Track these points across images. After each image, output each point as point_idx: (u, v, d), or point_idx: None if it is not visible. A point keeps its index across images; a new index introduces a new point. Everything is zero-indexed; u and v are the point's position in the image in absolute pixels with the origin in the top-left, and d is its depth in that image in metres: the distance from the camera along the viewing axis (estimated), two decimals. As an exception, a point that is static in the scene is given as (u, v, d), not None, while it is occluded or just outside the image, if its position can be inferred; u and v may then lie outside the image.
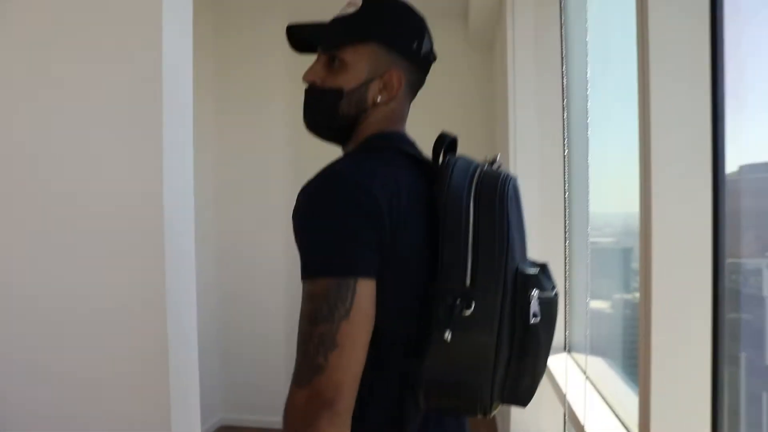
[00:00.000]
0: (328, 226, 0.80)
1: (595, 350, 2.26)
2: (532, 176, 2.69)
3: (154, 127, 1.31)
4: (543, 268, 0.92)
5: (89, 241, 1.36)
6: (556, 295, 0.89)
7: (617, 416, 1.79)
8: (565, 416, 2.37)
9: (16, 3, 1.38)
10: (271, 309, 3.88)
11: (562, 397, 2.17)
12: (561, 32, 2.65)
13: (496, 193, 0.84)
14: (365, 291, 0.79)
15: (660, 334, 1.12)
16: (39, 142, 1.39)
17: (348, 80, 0.94)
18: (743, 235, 1.25)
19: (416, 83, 1.01)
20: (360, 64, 0.94)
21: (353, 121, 0.96)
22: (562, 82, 2.66)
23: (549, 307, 0.87)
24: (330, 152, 0.96)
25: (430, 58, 1.00)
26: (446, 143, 0.93)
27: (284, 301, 3.85)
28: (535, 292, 0.84)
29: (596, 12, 2.35)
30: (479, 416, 0.86)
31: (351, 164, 0.87)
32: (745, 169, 1.24)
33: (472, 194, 0.84)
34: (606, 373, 2.09)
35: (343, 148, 1.01)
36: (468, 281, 0.81)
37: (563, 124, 2.68)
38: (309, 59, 1.01)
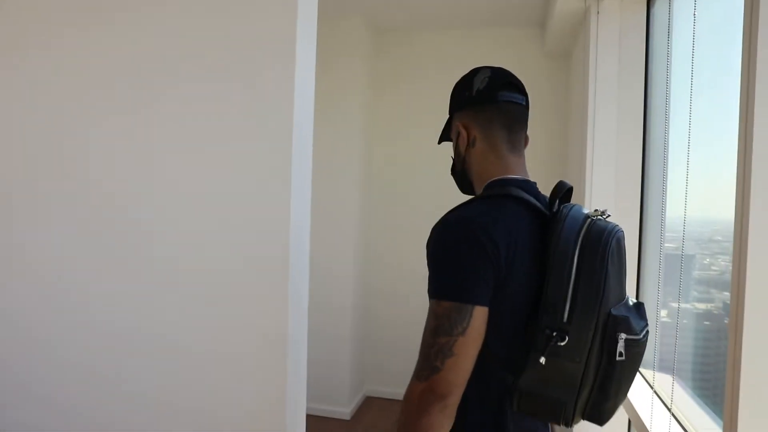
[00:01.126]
0: (456, 260, 0.99)
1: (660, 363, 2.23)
2: (607, 184, 2.69)
3: (284, 140, 1.41)
4: (638, 306, 1.06)
5: (221, 242, 1.47)
6: (644, 336, 1.02)
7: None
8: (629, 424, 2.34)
9: (159, 24, 1.48)
10: (407, 302, 4.19)
11: (628, 407, 2.16)
12: (646, 40, 2.64)
13: (599, 247, 0.99)
14: (479, 315, 0.98)
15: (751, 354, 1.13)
16: (177, 157, 1.49)
17: (453, 149, 1.25)
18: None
19: (493, 117, 1.17)
20: (452, 136, 1.24)
21: (465, 174, 1.22)
22: (645, 92, 2.65)
23: (636, 346, 1.00)
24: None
25: (486, 91, 1.17)
26: (563, 192, 1.08)
27: (414, 296, 4.02)
28: (622, 335, 0.98)
29: (683, 18, 2.34)
30: (561, 425, 1.03)
31: (479, 211, 1.04)
32: None
33: (578, 246, 0.99)
34: (677, 391, 2.07)
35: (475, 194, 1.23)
36: (565, 318, 0.97)
37: (643, 133, 2.67)
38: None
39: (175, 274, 1.48)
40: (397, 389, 4.18)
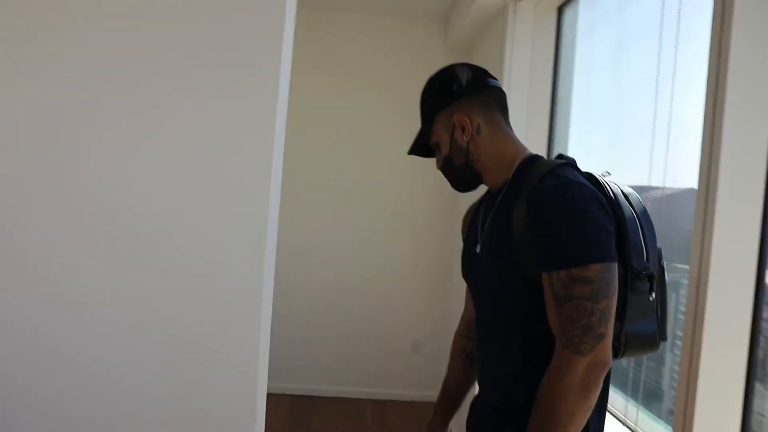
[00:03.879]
0: (589, 221, 1.00)
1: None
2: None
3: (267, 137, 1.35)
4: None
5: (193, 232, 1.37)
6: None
7: None
8: None
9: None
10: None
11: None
12: (556, 42, 2.85)
13: (636, 197, 1.14)
14: (616, 271, 1.01)
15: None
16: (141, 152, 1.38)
17: (444, 148, 1.24)
18: None
19: (488, 102, 1.22)
20: (441, 136, 1.23)
21: (470, 165, 1.22)
22: (553, 90, 2.86)
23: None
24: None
25: (475, 79, 1.22)
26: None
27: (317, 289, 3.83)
28: (664, 263, 1.16)
29: (587, 25, 2.57)
30: (652, 353, 1.15)
31: (577, 176, 1.08)
32: None
33: (627, 198, 1.11)
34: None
35: (486, 182, 1.25)
36: (646, 258, 1.07)
37: (549, 128, 2.88)
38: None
39: (157, 265, 1.37)
40: (294, 384, 4.06)
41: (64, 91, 1.39)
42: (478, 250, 1.21)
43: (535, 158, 1.18)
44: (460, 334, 1.47)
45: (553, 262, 1.01)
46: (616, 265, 1.00)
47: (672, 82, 1.81)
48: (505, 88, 2.80)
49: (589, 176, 1.11)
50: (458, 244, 4.24)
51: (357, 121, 4.06)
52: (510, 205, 1.12)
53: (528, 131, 2.89)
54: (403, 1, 3.74)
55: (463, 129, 1.20)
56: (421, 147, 1.31)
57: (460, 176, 1.25)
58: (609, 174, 1.16)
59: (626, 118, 2.28)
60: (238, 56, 1.35)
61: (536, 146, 2.86)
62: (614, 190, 1.09)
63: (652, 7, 2.03)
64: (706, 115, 1.37)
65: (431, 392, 4.06)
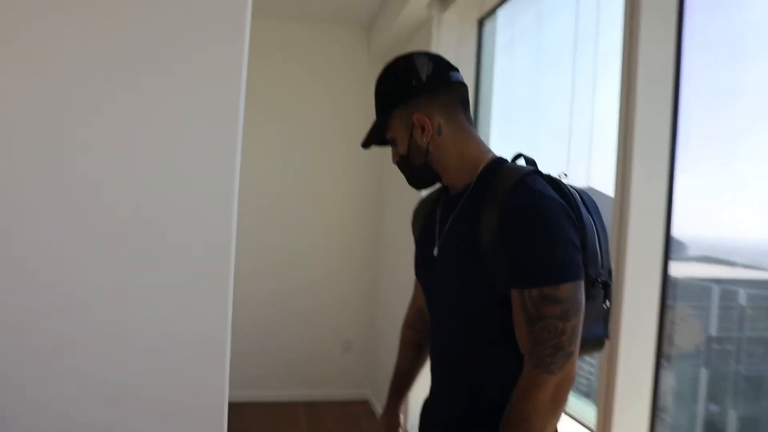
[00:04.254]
0: (561, 239, 0.99)
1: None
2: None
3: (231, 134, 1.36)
4: None
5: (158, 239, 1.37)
6: None
7: None
8: None
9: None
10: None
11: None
12: (477, 51, 3.03)
13: (593, 202, 1.13)
14: (583, 287, 1.01)
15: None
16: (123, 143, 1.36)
17: (402, 146, 1.18)
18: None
19: (450, 100, 1.15)
20: (399, 132, 1.17)
21: (429, 166, 1.17)
22: (476, 96, 3.04)
23: None
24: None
25: (436, 75, 1.15)
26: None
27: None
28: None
29: (505, 36, 2.77)
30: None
31: (547, 189, 1.05)
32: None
33: (584, 204, 1.09)
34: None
35: (446, 182, 1.20)
36: (602, 264, 1.07)
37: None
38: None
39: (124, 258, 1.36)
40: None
41: (43, 88, 1.33)
42: (435, 252, 1.18)
43: (501, 162, 1.15)
44: (409, 326, 1.44)
45: (525, 281, 1.00)
46: (583, 282, 1.00)
47: (593, 92, 2.00)
48: (430, 95, 2.97)
49: (553, 181, 1.09)
50: (388, 245, 4.31)
51: (281, 126, 4.06)
52: (476, 210, 1.08)
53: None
54: (326, 6, 3.79)
55: (422, 129, 1.14)
56: (377, 140, 1.22)
57: (418, 175, 1.20)
58: (566, 176, 1.14)
59: (544, 125, 2.48)
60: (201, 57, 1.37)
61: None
62: (575, 197, 1.06)
63: (567, 23, 2.22)
64: (620, 121, 1.56)
65: (363, 390, 4.16)
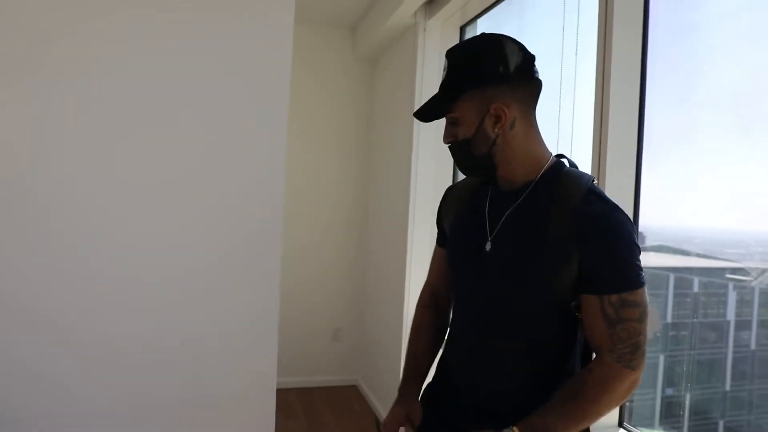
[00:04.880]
0: (632, 248, 1.05)
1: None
2: (428, 177, 3.22)
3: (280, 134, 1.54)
4: None
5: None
6: None
7: None
8: None
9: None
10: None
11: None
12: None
13: None
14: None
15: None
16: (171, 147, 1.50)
17: (467, 129, 1.13)
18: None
19: (528, 94, 1.13)
20: (469, 114, 1.12)
21: (491, 157, 1.14)
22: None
23: None
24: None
25: (524, 67, 1.11)
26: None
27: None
28: None
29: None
30: None
31: (609, 197, 1.10)
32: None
33: None
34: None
35: (500, 175, 1.18)
36: None
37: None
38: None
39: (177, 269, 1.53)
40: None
41: (67, 91, 1.44)
42: (488, 247, 1.16)
43: (561, 164, 1.16)
44: (426, 306, 1.41)
45: (606, 287, 1.04)
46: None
47: (573, 96, 2.20)
48: (417, 96, 3.18)
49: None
50: (375, 242, 4.49)
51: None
52: (542, 214, 1.09)
53: (438, 135, 3.24)
54: (311, 6, 3.90)
55: (497, 119, 1.10)
56: (439, 115, 1.16)
57: (474, 163, 1.16)
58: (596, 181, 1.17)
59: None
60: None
61: (445, 150, 3.20)
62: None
63: (551, 31, 2.41)
64: (595, 121, 1.79)
65: (353, 376, 4.37)
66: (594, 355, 1.13)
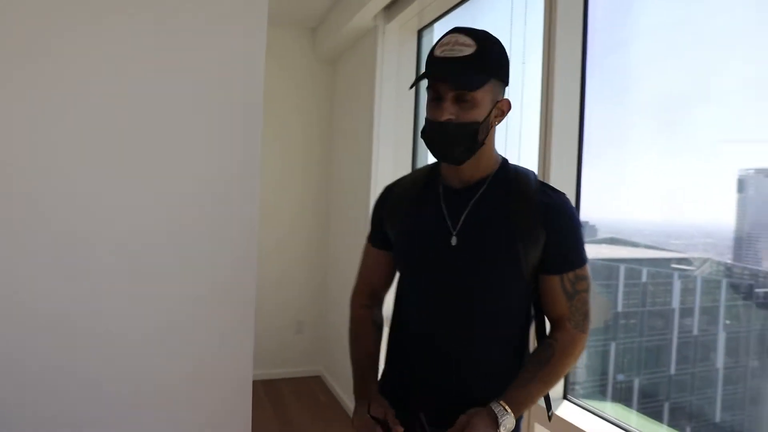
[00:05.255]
0: (581, 230, 1.23)
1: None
2: (387, 175, 3.36)
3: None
4: None
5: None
6: None
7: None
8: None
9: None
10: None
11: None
12: (417, 58, 3.40)
13: None
14: None
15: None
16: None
17: (480, 114, 1.14)
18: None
19: None
20: (485, 100, 1.14)
21: (481, 145, 1.18)
22: (416, 99, 3.40)
23: None
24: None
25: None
26: None
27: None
28: None
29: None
30: None
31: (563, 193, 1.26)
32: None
33: None
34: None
35: (463, 169, 1.22)
36: None
37: (413, 133, 3.41)
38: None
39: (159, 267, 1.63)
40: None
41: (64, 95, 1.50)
42: (454, 243, 1.21)
43: (507, 161, 1.28)
44: (366, 307, 1.42)
45: (567, 265, 1.19)
46: None
47: (521, 95, 2.37)
48: (376, 96, 3.34)
49: None
50: (335, 240, 4.61)
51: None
52: (503, 206, 1.20)
53: (397, 135, 3.40)
54: (272, 7, 3.94)
55: (499, 114, 1.20)
56: (463, 84, 1.12)
57: (468, 146, 1.16)
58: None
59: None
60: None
61: (403, 149, 3.38)
62: None
63: (500, 38, 2.58)
64: (541, 120, 1.97)
65: (316, 367, 4.49)
66: (549, 327, 1.26)
